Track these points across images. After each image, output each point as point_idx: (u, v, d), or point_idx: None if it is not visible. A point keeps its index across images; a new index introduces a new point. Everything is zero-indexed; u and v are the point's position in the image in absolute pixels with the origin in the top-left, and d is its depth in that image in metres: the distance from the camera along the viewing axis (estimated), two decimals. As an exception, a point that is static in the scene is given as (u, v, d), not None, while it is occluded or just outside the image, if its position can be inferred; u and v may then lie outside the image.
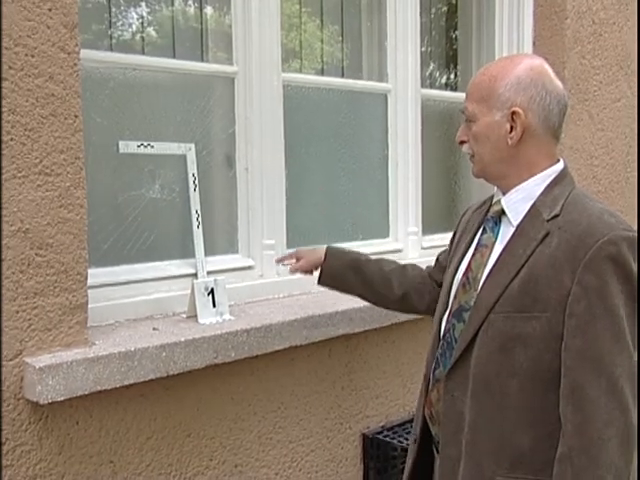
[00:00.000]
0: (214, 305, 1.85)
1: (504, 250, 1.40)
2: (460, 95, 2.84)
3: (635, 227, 1.36)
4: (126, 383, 1.58)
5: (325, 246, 1.82)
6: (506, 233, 1.43)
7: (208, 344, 1.71)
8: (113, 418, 1.65)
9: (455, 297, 1.48)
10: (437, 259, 1.81)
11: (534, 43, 2.93)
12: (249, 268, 2.13)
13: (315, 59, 2.51)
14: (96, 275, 1.79)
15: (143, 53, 1.99)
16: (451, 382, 1.43)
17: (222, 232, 2.13)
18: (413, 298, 1.78)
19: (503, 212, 1.45)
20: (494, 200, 1.51)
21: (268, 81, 2.13)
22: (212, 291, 1.86)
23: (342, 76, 2.51)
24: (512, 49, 2.94)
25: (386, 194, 2.57)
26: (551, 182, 1.42)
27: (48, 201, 1.50)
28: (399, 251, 2.57)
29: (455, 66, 3.00)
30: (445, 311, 1.51)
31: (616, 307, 1.28)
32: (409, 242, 2.60)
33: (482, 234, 1.49)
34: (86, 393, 1.52)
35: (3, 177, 1.43)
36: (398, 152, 2.56)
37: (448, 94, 2.83)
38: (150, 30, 2.04)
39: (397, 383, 2.31)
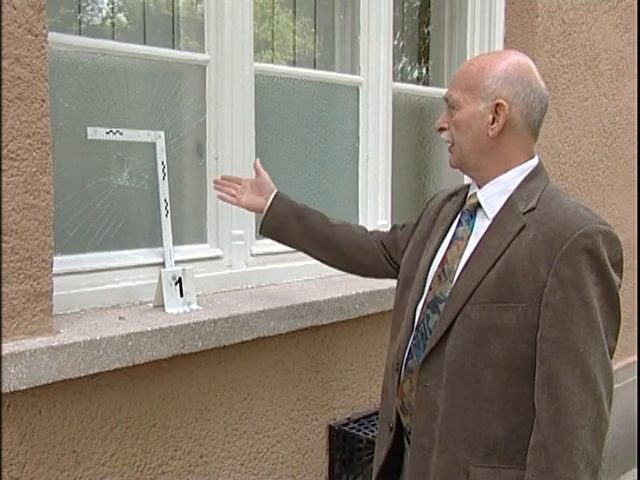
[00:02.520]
0: (181, 295, 1.84)
1: (480, 242, 1.42)
2: (432, 90, 2.86)
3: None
4: (91, 372, 1.56)
5: (273, 191, 1.82)
6: (481, 226, 1.46)
7: (175, 334, 1.70)
8: (77, 407, 1.63)
9: (430, 288, 1.49)
10: (394, 227, 1.82)
11: (505, 40, 2.95)
12: (217, 258, 2.11)
13: (287, 50, 2.49)
14: (62, 262, 1.77)
15: (113, 39, 1.96)
16: (425, 372, 1.44)
17: (191, 221, 2.11)
18: (356, 253, 1.81)
19: (479, 205, 1.47)
20: (470, 193, 1.53)
21: (240, 70, 2.11)
22: (180, 280, 1.84)
23: (314, 68, 2.50)
24: (483, 45, 2.96)
25: (356, 187, 2.58)
26: (527, 176, 1.45)
27: (13, 186, 1.47)
28: (368, 244, 2.57)
29: (427, 61, 3.01)
30: (419, 302, 1.52)
31: (590, 298, 1.31)
32: (378, 235, 2.60)
33: (458, 227, 1.51)
34: (50, 382, 1.50)
35: (-33, 160, 1.41)
36: (369, 145, 2.56)
37: (420, 88, 2.84)
38: (120, 16, 2.01)
39: (364, 375, 2.32)
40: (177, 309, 1.81)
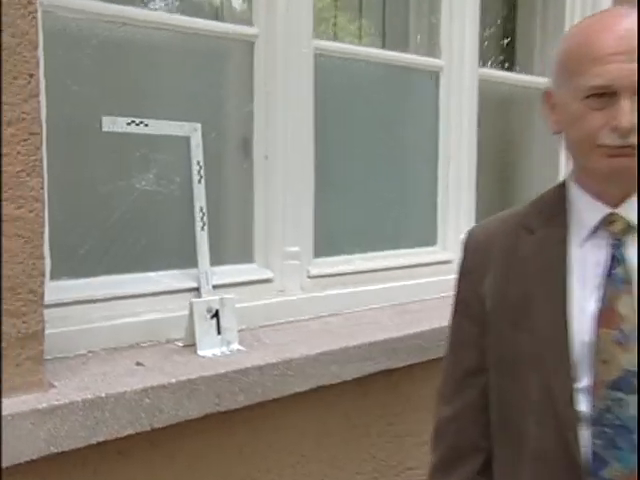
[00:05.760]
0: (219, 332, 1.43)
1: None
2: (523, 77, 2.40)
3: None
4: (94, 441, 1.16)
5: None
6: None
7: (208, 386, 1.29)
8: (77, 484, 1.23)
9: (604, 362, 1.03)
10: (465, 369, 1.24)
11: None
12: (266, 281, 1.70)
13: (353, 26, 2.07)
14: (68, 289, 1.39)
15: (138, 6, 1.56)
16: None
17: (233, 236, 1.70)
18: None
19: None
20: (597, 216, 1.09)
21: (296, 48, 1.69)
22: (217, 313, 1.43)
23: (384, 47, 2.07)
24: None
25: (434, 191, 2.13)
26: None
27: (-12, 191, 1.08)
28: (448, 262, 2.12)
29: (514, 43, 2.54)
30: (577, 386, 1.06)
31: None
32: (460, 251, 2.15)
33: (613, 268, 1.06)
34: (36, 458, 1.10)
35: None
36: (450, 143, 2.12)
37: (510, 75, 2.38)
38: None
39: (446, 426, 1.87)
40: (212, 351, 1.40)
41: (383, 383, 1.68)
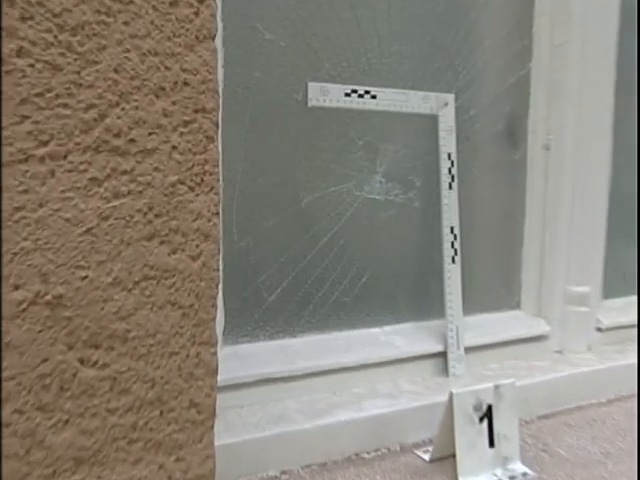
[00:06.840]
0: (491, 443, 0.85)
1: None
2: None
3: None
4: None
5: None
6: None
7: None
8: None
9: None
10: None
11: None
12: (539, 339, 1.11)
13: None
14: (272, 360, 0.88)
15: None
16: None
17: (487, 268, 1.12)
18: None
19: None
20: None
21: (599, -26, 1.08)
22: (489, 411, 0.86)
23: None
24: None
25: None
26: None
27: (126, 223, 0.56)
28: None
29: None
30: None
31: None
32: None
33: None
34: None
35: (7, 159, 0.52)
36: None
37: None
38: None
39: None
40: (483, 477, 0.83)
41: None
